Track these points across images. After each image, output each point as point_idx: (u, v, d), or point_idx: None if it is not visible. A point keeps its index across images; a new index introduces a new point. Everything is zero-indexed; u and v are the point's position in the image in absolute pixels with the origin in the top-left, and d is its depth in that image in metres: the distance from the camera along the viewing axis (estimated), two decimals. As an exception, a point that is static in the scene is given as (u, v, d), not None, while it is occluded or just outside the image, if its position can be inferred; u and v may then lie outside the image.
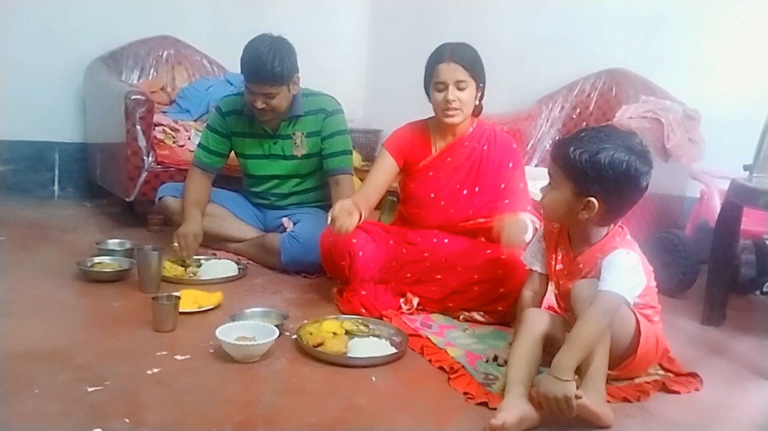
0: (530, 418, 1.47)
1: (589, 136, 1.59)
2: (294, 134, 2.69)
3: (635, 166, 1.55)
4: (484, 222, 2.25)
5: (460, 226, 2.29)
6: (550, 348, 1.67)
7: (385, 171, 2.30)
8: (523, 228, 2.01)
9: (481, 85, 2.20)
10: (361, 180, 3.33)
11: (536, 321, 1.66)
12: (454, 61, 2.12)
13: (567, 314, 1.79)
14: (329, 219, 2.01)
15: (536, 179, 2.64)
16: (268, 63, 2.44)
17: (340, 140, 2.69)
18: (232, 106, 2.72)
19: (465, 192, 2.28)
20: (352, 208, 2.05)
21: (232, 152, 2.81)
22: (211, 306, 2.11)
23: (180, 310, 1.97)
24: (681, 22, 3.22)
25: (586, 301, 1.54)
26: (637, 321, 1.63)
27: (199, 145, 2.78)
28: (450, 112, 2.16)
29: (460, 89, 2.13)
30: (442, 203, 2.30)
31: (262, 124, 2.68)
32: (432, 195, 2.30)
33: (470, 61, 2.15)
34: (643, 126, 2.75)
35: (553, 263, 1.78)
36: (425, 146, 2.31)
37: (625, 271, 1.56)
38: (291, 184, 2.77)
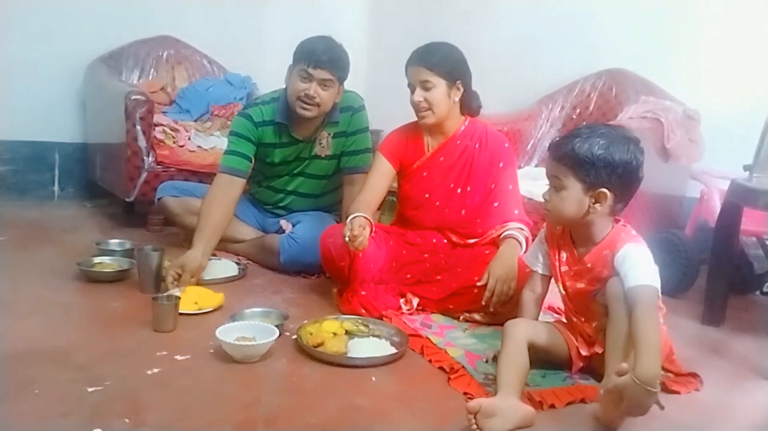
0: (518, 411, 1.46)
1: (586, 131, 1.63)
2: (320, 134, 2.62)
3: (635, 153, 1.61)
4: (478, 241, 2.27)
5: (457, 243, 2.30)
6: (538, 353, 1.69)
7: (383, 175, 2.32)
8: (513, 271, 2.04)
9: (457, 82, 2.19)
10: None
11: (516, 330, 1.67)
12: (418, 63, 2.17)
13: (575, 316, 1.79)
14: (346, 237, 2.01)
15: (536, 179, 2.64)
16: (335, 51, 2.44)
17: (362, 138, 2.66)
18: (263, 116, 2.58)
19: (459, 191, 2.29)
20: (365, 223, 2.07)
21: None
22: (211, 309, 2.09)
23: (180, 311, 1.97)
24: (681, 22, 3.22)
25: (619, 299, 1.55)
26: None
27: (229, 152, 2.57)
28: (420, 113, 2.20)
29: (426, 89, 2.16)
30: (437, 203, 2.31)
31: (293, 131, 2.58)
32: (427, 195, 2.31)
33: (435, 61, 2.15)
34: (643, 126, 2.75)
35: (557, 264, 1.78)
36: (418, 147, 2.32)
37: (644, 261, 1.57)
38: (306, 186, 2.72)
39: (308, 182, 2.73)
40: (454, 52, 2.21)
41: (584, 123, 3.34)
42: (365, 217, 2.10)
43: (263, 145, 2.62)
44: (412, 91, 2.19)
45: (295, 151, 2.66)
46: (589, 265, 1.69)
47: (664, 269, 2.48)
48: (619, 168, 1.58)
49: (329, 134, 2.63)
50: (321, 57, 2.41)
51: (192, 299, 2.09)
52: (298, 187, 2.74)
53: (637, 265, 1.56)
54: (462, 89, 2.21)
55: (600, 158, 1.57)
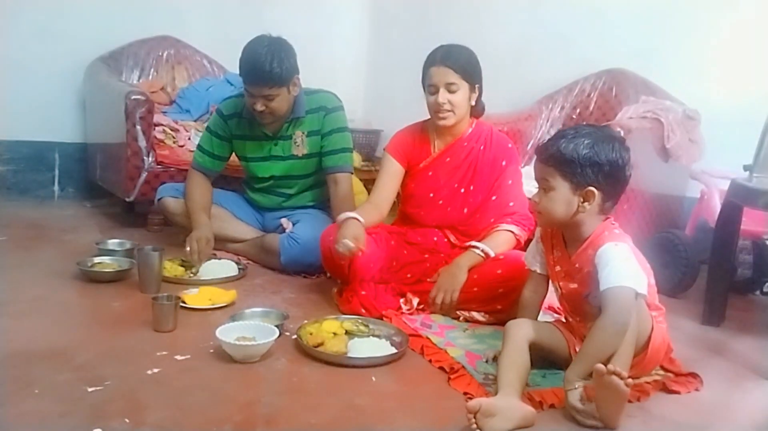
0: (518, 411, 1.46)
1: (571, 132, 1.65)
2: (294, 134, 2.66)
3: (621, 152, 1.62)
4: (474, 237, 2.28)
5: (456, 245, 2.32)
6: (539, 353, 1.70)
7: (393, 176, 2.34)
8: (458, 282, 2.09)
9: (476, 86, 2.22)
10: (361, 180, 3.34)
11: (517, 330, 1.67)
12: (445, 64, 2.17)
13: (571, 316, 1.79)
14: (340, 247, 2.03)
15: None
16: (266, 64, 2.40)
17: (339, 137, 2.67)
18: (233, 108, 2.68)
19: (462, 191, 2.31)
20: (359, 233, 2.08)
21: (233, 153, 2.80)
22: (225, 304, 2.14)
23: (194, 307, 2.06)
24: (681, 21, 3.21)
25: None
26: (651, 318, 1.64)
27: (199, 148, 2.74)
28: (441, 114, 2.20)
29: (450, 92, 2.17)
30: (441, 202, 2.32)
31: (263, 127, 2.65)
32: (431, 194, 2.33)
33: (461, 64, 2.18)
34: (643, 126, 2.75)
35: (552, 263, 1.78)
36: (425, 147, 2.34)
37: (618, 261, 1.56)
38: (290, 185, 2.75)
39: (294, 182, 2.75)
40: (473, 56, 2.23)
41: (584, 124, 3.36)
42: (356, 218, 2.11)
43: (236, 137, 2.71)
44: (433, 92, 2.19)
45: (266, 148, 2.69)
46: (577, 265, 1.69)
47: (664, 269, 2.52)
48: (605, 166, 1.60)
49: (303, 133, 2.66)
50: (256, 76, 2.43)
51: (206, 296, 2.15)
52: (287, 188, 2.76)
53: (611, 265, 1.56)
54: (478, 93, 2.23)
55: (585, 157, 1.59)
